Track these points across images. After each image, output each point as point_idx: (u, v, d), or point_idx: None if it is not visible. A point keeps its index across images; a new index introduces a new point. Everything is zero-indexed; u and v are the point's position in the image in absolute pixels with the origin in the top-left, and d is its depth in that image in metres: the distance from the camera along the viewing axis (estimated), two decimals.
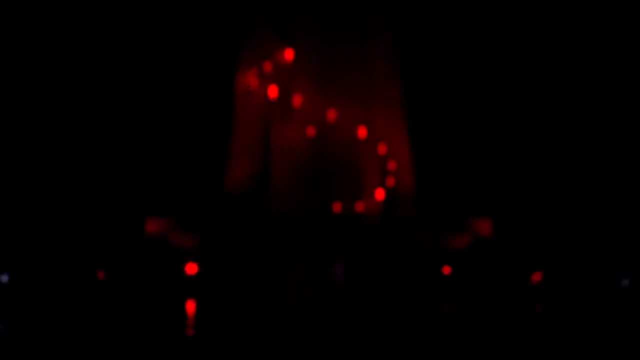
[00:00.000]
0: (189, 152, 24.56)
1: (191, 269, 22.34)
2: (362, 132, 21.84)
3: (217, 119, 23.32)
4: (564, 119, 24.70)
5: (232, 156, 22.47)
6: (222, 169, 22.65)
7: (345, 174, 21.93)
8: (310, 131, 21.85)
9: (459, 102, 24.62)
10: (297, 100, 22.07)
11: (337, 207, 22.09)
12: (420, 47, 23.88)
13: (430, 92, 24.19)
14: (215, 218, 21.16)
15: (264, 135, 22.25)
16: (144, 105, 24.73)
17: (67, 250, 23.91)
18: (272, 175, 22.36)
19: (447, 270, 22.36)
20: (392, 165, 21.70)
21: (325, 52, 22.46)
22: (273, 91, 21.91)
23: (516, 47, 24.59)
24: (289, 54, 22.53)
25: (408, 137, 22.42)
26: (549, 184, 24.82)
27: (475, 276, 22.51)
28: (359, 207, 22.11)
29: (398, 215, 21.82)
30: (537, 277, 22.90)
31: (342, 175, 21.88)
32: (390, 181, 21.70)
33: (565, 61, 24.53)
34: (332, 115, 21.70)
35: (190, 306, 20.13)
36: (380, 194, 22.48)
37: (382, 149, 22.12)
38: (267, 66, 22.27)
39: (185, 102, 24.63)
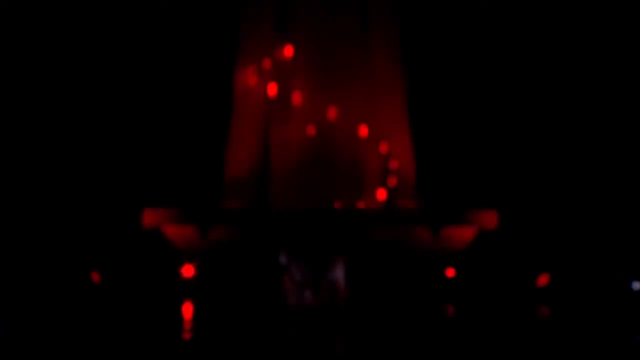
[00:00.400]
0: (188, 145, 24.31)
1: (188, 271, 21.95)
2: (363, 130, 21.41)
3: (217, 112, 23.01)
4: (576, 111, 24.35)
5: (230, 153, 22.06)
6: (222, 164, 22.25)
7: (346, 173, 21.50)
8: (310, 129, 21.42)
9: (462, 94, 24.36)
10: (296, 97, 21.67)
11: (337, 205, 21.74)
12: (422, 39, 23.76)
13: (433, 84, 24.03)
14: (215, 213, 20.70)
15: (263, 133, 21.85)
16: (143, 98, 24.42)
17: (59, 248, 23.44)
18: (272, 175, 21.93)
19: (450, 272, 22.00)
20: (394, 164, 21.25)
21: (325, 48, 22.07)
22: (272, 89, 21.52)
23: (520, 38, 24.44)
24: (288, 51, 22.19)
25: (410, 130, 21.97)
26: (558, 180, 24.43)
27: (480, 276, 22.20)
28: (360, 206, 21.75)
29: (400, 211, 21.32)
30: (544, 279, 22.54)
31: (342, 173, 21.45)
32: (392, 181, 21.24)
33: (573, 49, 24.29)
34: (332, 112, 21.26)
35: (187, 309, 19.81)
36: (381, 194, 22.08)
37: (383, 146, 21.67)
38: (266, 62, 21.89)
39: (185, 95, 24.35)
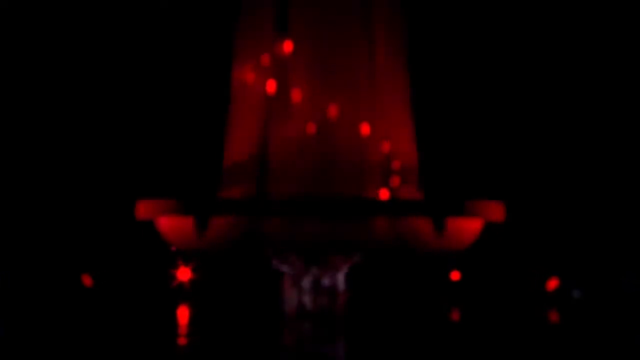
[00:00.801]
0: (183, 138, 24.11)
1: (184, 274, 21.72)
2: (364, 123, 20.94)
3: (214, 104, 22.81)
4: (592, 98, 24.00)
5: (228, 147, 21.61)
6: (219, 159, 21.83)
7: (347, 168, 21.01)
8: (310, 123, 20.93)
9: (468, 88, 24.11)
10: (296, 90, 21.19)
11: (338, 205, 21.35)
12: (426, 30, 23.52)
13: (439, 74, 23.78)
14: (213, 203, 20.16)
15: (263, 127, 21.40)
16: (139, 89, 24.19)
17: (53, 246, 23.06)
18: (270, 175, 21.47)
19: (455, 276, 21.83)
20: (396, 159, 20.79)
21: (325, 43, 21.60)
22: (271, 83, 21.07)
23: (529, 28, 24.19)
24: (287, 46, 21.74)
25: (413, 124, 21.55)
26: (568, 174, 24.07)
27: (486, 277, 22.04)
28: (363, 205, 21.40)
29: (401, 201, 20.76)
30: (553, 283, 22.25)
31: (343, 170, 20.96)
32: (395, 177, 20.76)
33: (585, 39, 24.02)
34: (333, 106, 20.76)
35: (183, 312, 19.50)
36: (384, 193, 21.63)
37: (385, 140, 21.19)
38: (265, 56, 21.41)
39: (182, 84, 24.12)
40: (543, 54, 24.30)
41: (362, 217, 20.03)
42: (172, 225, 20.10)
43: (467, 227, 20.10)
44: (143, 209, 20.70)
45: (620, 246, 23.26)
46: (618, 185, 23.91)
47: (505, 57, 24.29)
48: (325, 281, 18.20)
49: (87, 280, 22.37)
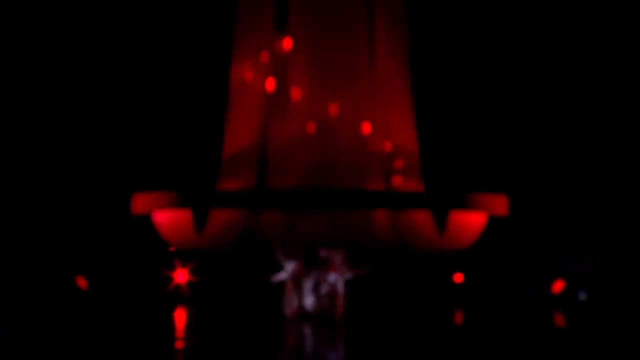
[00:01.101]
0: (182, 128, 23.85)
1: (181, 276, 21.56)
2: (365, 120, 20.72)
3: (213, 96, 22.64)
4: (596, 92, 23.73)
5: (227, 141, 21.41)
6: (217, 155, 21.63)
7: (348, 166, 20.81)
8: (310, 124, 20.71)
9: (471, 79, 23.90)
10: (295, 91, 21.00)
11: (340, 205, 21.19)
12: (429, 28, 23.46)
13: (441, 69, 23.67)
14: (212, 196, 19.89)
15: (262, 128, 21.21)
16: (137, 85, 23.99)
17: (40, 246, 22.80)
18: (270, 170, 21.25)
19: (459, 278, 21.70)
20: (398, 157, 20.57)
21: (326, 40, 21.42)
22: (270, 83, 20.86)
23: (533, 20, 23.87)
24: (287, 43, 21.55)
25: (415, 120, 21.36)
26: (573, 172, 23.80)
27: (488, 277, 21.87)
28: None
29: (402, 193, 20.50)
30: (559, 285, 22.03)
31: (343, 167, 20.75)
32: (397, 174, 20.53)
33: (588, 33, 23.80)
34: (333, 103, 20.54)
35: (180, 315, 19.22)
36: (385, 188, 21.46)
37: (387, 138, 20.98)
38: (264, 53, 21.22)
39: (180, 79, 23.91)
40: (544, 50, 24.16)
41: (362, 209, 19.81)
42: (170, 219, 19.71)
43: (469, 222, 19.78)
44: (140, 203, 20.30)
45: (625, 248, 23.07)
46: (625, 187, 23.74)
47: (507, 53, 24.15)
48: (326, 284, 18.02)
49: (82, 283, 22.17)
